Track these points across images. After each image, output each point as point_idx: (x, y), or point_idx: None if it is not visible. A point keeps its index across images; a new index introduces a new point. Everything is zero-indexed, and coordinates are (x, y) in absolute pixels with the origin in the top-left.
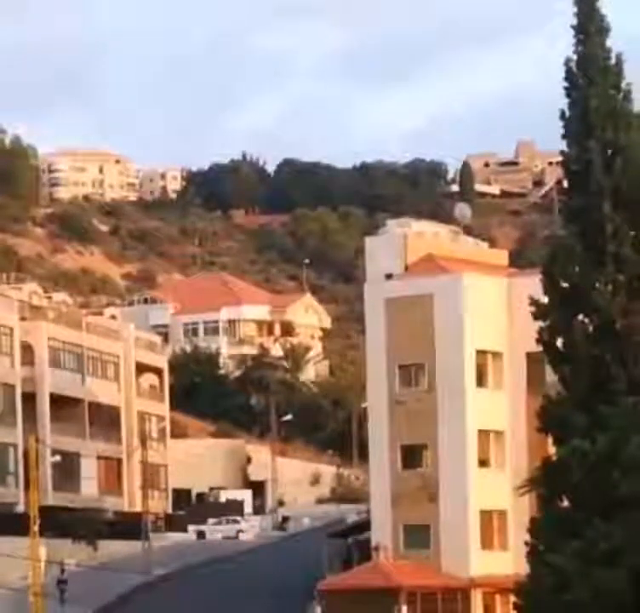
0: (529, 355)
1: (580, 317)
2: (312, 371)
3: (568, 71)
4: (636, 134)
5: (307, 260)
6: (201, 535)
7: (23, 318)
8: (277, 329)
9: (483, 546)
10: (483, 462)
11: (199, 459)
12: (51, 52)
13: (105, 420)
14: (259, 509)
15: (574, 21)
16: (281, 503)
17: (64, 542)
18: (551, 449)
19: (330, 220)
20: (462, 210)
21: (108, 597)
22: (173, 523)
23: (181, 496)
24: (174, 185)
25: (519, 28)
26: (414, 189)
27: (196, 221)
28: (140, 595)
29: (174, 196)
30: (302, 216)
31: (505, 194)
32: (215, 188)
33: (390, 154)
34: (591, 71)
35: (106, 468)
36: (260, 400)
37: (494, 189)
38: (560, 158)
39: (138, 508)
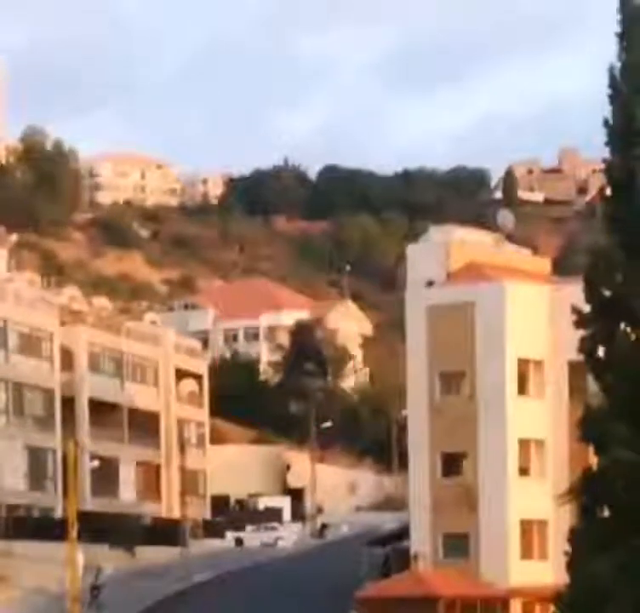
0: (571, 364)
1: (623, 326)
2: (352, 378)
3: (612, 79)
4: None
5: (348, 267)
6: (239, 541)
7: (63, 323)
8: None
9: (523, 555)
10: (524, 471)
11: (238, 465)
12: (93, 54)
13: (144, 425)
14: (297, 516)
15: (619, 28)
16: (320, 510)
17: (101, 548)
18: (593, 459)
19: (371, 227)
20: (505, 218)
21: (145, 603)
22: (211, 529)
23: (220, 503)
24: (215, 190)
25: (561, 36)
26: (457, 196)
27: (237, 227)
28: (177, 601)
29: (215, 201)
30: (343, 223)
31: (548, 202)
32: (257, 194)
33: (432, 161)
34: (635, 78)
35: (145, 474)
36: (299, 407)
37: (538, 196)
38: (603, 166)
39: (176, 514)
